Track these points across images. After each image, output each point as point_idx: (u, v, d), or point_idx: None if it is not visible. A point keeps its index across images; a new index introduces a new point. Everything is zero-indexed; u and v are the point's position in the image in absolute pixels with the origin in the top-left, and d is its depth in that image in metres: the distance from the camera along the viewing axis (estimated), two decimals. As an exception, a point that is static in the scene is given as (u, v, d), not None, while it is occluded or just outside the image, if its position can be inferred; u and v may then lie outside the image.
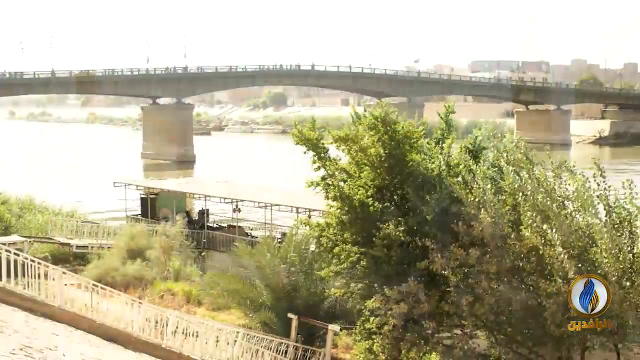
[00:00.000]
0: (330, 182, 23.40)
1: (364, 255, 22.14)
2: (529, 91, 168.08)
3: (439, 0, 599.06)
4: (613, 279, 17.19)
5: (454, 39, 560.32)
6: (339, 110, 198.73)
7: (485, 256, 19.39)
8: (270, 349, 25.75)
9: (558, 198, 18.67)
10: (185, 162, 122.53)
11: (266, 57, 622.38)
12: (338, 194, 22.80)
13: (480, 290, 19.42)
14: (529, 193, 18.69)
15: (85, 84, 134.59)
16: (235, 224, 46.64)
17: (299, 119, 47.08)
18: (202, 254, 43.64)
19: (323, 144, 23.49)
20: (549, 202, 18.32)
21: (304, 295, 27.72)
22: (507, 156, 20.05)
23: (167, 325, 22.58)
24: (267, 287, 28.19)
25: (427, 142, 23.91)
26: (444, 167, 22.35)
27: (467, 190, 20.22)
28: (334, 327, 26.22)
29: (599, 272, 17.46)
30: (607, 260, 17.29)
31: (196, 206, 52.16)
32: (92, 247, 43.34)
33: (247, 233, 45.34)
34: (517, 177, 19.23)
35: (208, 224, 46.30)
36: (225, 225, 48.07)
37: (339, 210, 23.01)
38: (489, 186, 19.83)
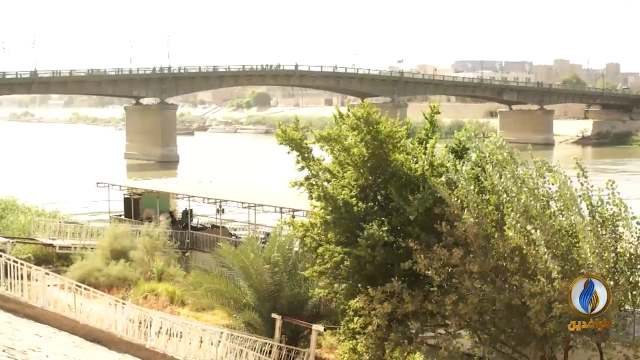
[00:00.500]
0: (314, 182, 23.39)
1: (347, 255, 22.10)
2: (512, 91, 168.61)
3: (422, 1, 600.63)
4: (597, 278, 17.27)
5: (437, 39, 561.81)
6: (323, 110, 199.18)
7: (469, 256, 19.46)
8: (254, 349, 25.70)
9: (542, 198, 18.73)
10: (169, 163, 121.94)
11: (250, 57, 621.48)
12: (322, 194, 22.79)
13: (464, 290, 19.50)
14: (513, 194, 18.74)
15: (68, 84, 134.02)
16: (219, 224, 46.59)
17: (283, 119, 47.14)
18: (186, 254, 43.50)
19: (306, 144, 23.48)
20: (532, 202, 18.38)
21: (287, 295, 27.70)
22: (489, 157, 20.08)
23: (150, 325, 22.54)
24: (250, 288, 28.15)
25: (411, 142, 23.91)
26: (427, 167, 22.38)
27: (451, 191, 20.27)
28: (318, 327, 26.22)
29: (582, 271, 17.55)
30: (591, 259, 17.36)
31: (180, 206, 52.00)
32: (75, 247, 43.08)
33: (230, 233, 45.31)
34: (500, 178, 19.28)
35: (192, 224, 46.22)
36: (209, 225, 48.00)
37: (322, 210, 23.01)
38: (472, 187, 19.89)
